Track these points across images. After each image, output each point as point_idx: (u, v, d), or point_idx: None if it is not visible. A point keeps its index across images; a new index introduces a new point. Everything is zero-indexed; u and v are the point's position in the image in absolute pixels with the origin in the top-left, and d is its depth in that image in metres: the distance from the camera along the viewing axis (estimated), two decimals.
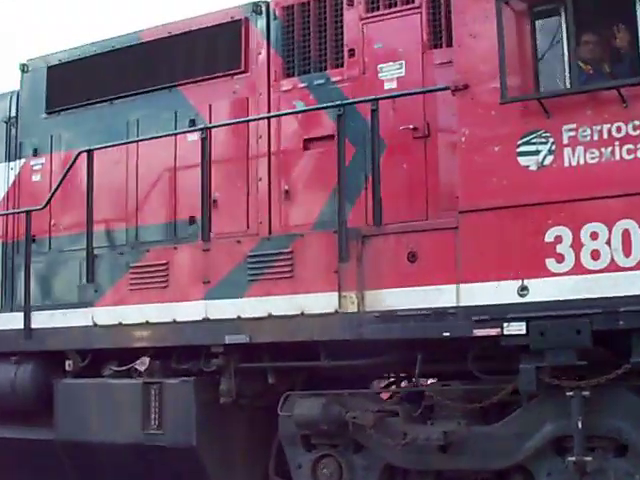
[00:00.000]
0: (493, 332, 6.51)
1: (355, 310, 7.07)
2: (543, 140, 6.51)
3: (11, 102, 10.05)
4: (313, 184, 8.03)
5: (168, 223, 8.70)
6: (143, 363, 8.11)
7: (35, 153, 9.75)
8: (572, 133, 6.42)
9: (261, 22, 8.46)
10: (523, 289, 6.47)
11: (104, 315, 8.28)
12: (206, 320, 7.72)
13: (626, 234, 6.15)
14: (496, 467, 6.85)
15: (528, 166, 6.55)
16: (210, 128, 8.14)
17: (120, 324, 8.18)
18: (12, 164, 9.97)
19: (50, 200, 8.86)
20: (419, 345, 6.95)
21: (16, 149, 9.91)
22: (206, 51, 8.73)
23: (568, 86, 6.44)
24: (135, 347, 8.14)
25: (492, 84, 6.65)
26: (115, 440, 8.12)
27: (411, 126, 7.51)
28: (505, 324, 6.47)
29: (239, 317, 7.55)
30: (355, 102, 7.54)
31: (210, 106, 8.64)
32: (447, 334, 6.70)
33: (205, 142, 7.99)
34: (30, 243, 8.92)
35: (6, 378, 8.87)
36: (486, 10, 6.67)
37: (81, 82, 9.44)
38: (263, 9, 8.44)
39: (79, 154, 8.65)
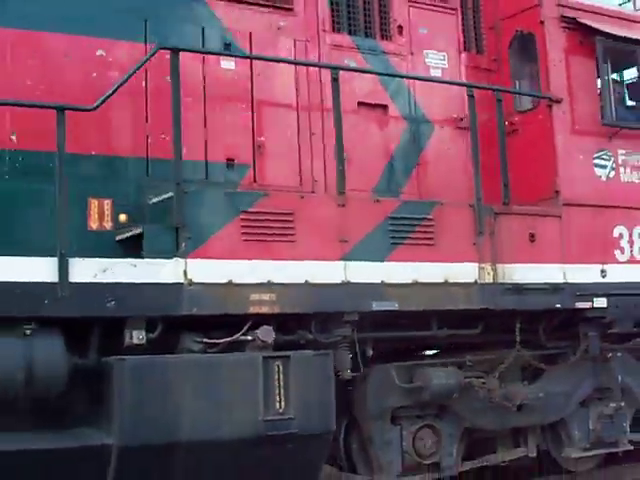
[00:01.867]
0: (587, 305, 7.99)
1: (491, 281, 7.46)
2: (608, 158, 8.38)
3: None
4: (369, 150, 7.69)
5: (197, 162, 6.88)
6: (268, 333, 6.38)
7: None
8: (624, 157, 8.49)
9: None
10: (603, 272, 8.16)
11: (205, 270, 6.19)
12: (346, 283, 6.74)
13: None
14: (551, 420, 8.14)
15: (600, 176, 8.32)
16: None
17: (231, 283, 6.28)
18: None
19: (105, 98, 5.99)
20: (518, 315, 7.77)
21: None
22: None
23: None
24: (250, 313, 6.36)
25: (585, 105, 8.21)
26: (219, 437, 6.15)
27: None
28: (595, 299, 8.03)
29: (383, 282, 6.91)
30: (483, 87, 7.97)
31: (250, 35, 7.25)
32: (559, 306, 7.83)
33: (336, 84, 6.95)
34: None
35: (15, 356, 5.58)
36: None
37: None
38: None
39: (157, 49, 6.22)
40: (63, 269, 5.74)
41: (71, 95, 6.33)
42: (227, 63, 7.10)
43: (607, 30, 8.36)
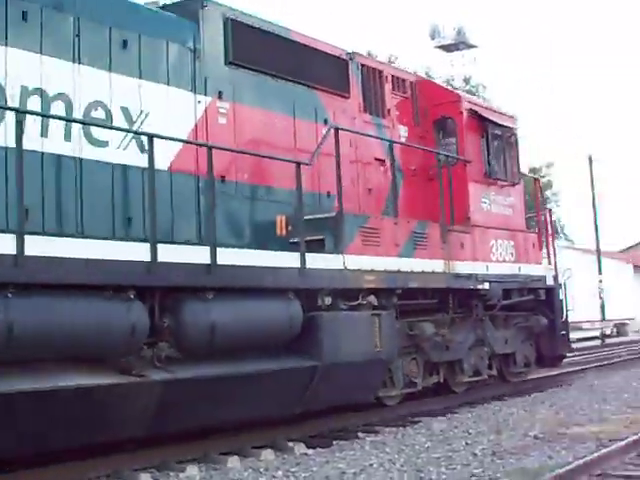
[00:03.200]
0: (482, 286, 13.23)
1: (447, 271, 12.41)
2: (487, 197, 13.73)
3: (193, 34, 9.56)
4: (380, 187, 12.30)
5: (312, 193, 11.05)
6: (373, 299, 10.80)
7: (220, 96, 9.85)
8: (494, 196, 13.89)
9: (353, 67, 12.03)
10: (487, 267, 13.45)
11: (350, 261, 10.48)
12: (398, 271, 11.34)
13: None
14: (459, 357, 13.24)
15: (484, 209, 13.64)
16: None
17: (359, 270, 10.62)
18: (199, 97, 9.56)
19: (314, 157, 10.08)
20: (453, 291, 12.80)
21: (203, 84, 9.62)
22: (331, 71, 11.54)
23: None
24: (365, 287, 10.73)
25: (478, 164, 13.50)
26: (365, 357, 10.54)
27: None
28: (484, 283, 13.29)
29: (412, 270, 11.60)
30: (444, 154, 12.94)
31: (334, 113, 11.53)
32: (471, 287, 12.98)
33: (390, 151, 11.55)
34: (300, 192, 9.82)
35: (283, 313, 9.52)
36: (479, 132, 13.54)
37: (254, 47, 10.32)
38: (355, 58, 12.05)
39: (330, 129, 10.43)
40: (303, 260, 9.77)
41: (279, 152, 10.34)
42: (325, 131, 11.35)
43: (488, 117, 13.75)
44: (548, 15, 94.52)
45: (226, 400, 9.04)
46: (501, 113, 14.43)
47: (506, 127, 14.22)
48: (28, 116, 7.60)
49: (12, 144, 7.36)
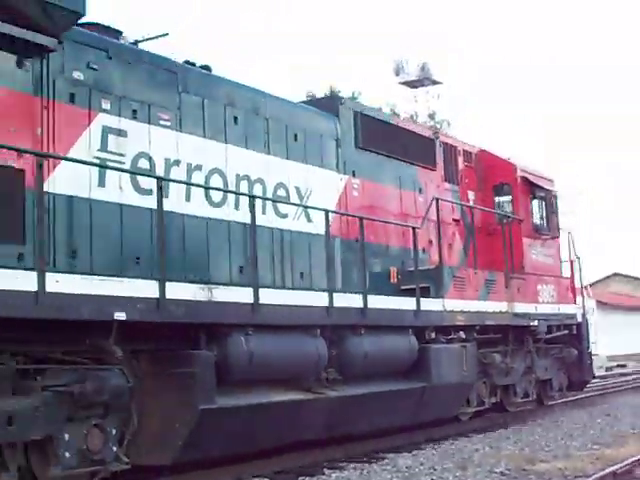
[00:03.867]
0: (534, 323, 15.99)
1: (509, 311, 15.14)
2: (535, 249, 16.53)
3: (335, 126, 12.29)
4: (456, 243, 15.04)
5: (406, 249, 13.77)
6: (462, 334, 13.50)
7: (353, 174, 12.57)
8: (539, 248, 16.69)
9: (437, 144, 14.82)
10: (536, 307, 16.22)
11: (450, 304, 13.19)
12: (479, 311, 14.06)
13: None
14: (513, 382, 15.97)
15: (532, 259, 16.42)
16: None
17: (452, 311, 13.32)
18: (341, 176, 12.28)
19: (423, 223, 12.80)
20: (512, 328, 15.53)
21: (343, 165, 12.34)
22: (423, 149, 14.31)
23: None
24: (457, 325, 13.43)
25: (528, 222, 16.32)
26: (457, 380, 13.22)
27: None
28: (535, 320, 16.07)
29: (486, 311, 14.32)
30: (507, 215, 15.57)
31: (425, 183, 14.29)
32: (528, 323, 15.74)
33: (473, 213, 14.31)
34: (416, 251, 12.55)
35: (405, 345, 12.20)
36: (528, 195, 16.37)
37: (373, 134, 13.07)
38: (439, 138, 14.84)
39: (434, 199, 13.20)
40: (418, 303, 12.46)
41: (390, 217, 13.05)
42: (420, 199, 14.10)
43: (535, 182, 16.59)
44: (515, 50, 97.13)
45: (369, 411, 11.68)
46: (544, 177, 17.25)
47: (548, 189, 17.05)
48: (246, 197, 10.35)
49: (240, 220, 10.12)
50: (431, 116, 58.12)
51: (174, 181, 9.57)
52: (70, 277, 7.73)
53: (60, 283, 7.56)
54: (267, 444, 10.38)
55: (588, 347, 18.66)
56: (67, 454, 8.04)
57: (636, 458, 10.56)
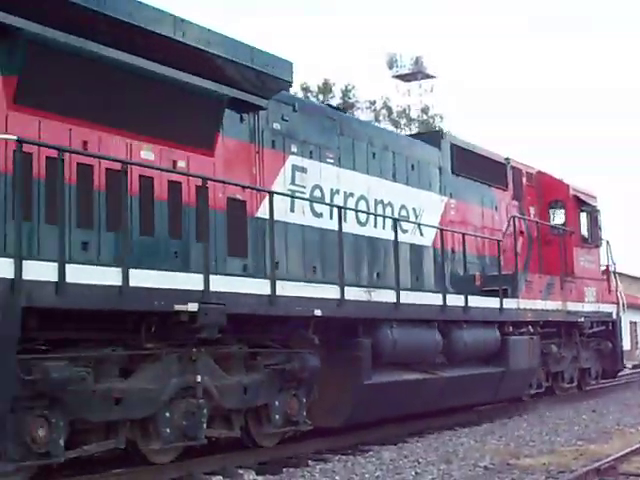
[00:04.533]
0: (580, 319, 18.80)
1: (564, 309, 17.91)
2: (583, 257, 19.32)
3: (439, 156, 15.09)
4: (522, 251, 17.82)
5: (485, 257, 16.53)
6: (530, 328, 16.28)
7: (451, 196, 15.33)
8: (586, 256, 19.49)
9: (508, 168, 17.59)
10: (582, 305, 19.02)
11: (522, 303, 15.96)
12: (542, 310, 16.82)
13: None
14: (564, 369, 18.79)
15: (580, 265, 19.22)
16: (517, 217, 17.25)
17: (524, 309, 16.09)
18: (442, 197, 15.05)
19: (504, 236, 15.58)
20: (563, 323, 18.34)
21: (444, 189, 15.10)
22: (498, 173, 17.07)
23: None
24: (527, 321, 16.20)
25: (577, 233, 19.13)
26: (526, 366, 16.01)
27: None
28: (581, 317, 18.89)
29: (544, 309, 17.07)
30: (562, 228, 18.35)
31: (499, 202, 17.05)
32: (576, 320, 18.54)
33: (527, 223, 17.09)
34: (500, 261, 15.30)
35: (492, 336, 14.96)
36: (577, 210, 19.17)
37: (464, 161, 15.84)
38: (509, 162, 17.61)
39: (512, 217, 15.97)
40: (501, 303, 15.23)
41: (474, 230, 15.81)
42: (496, 216, 16.85)
43: (583, 199, 19.39)
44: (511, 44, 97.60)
45: (465, 389, 14.44)
46: (590, 195, 20.07)
47: (593, 205, 19.88)
48: (379, 218, 13.13)
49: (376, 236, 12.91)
50: (424, 110, 58.60)
51: (348, 209, 12.41)
52: (288, 284, 10.45)
53: (284, 289, 10.29)
54: (402, 411, 13.13)
55: (621, 341, 21.52)
56: (277, 417, 10.73)
57: (620, 454, 10.69)
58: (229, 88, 10.43)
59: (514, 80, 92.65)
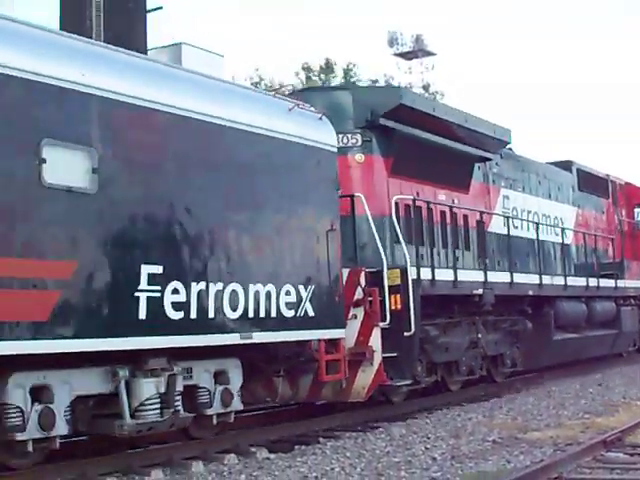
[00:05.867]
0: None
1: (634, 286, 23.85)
2: None
3: (571, 178, 21.14)
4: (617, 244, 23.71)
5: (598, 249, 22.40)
6: (632, 301, 22.20)
7: (579, 206, 21.45)
8: None
9: (609, 182, 23.50)
10: None
11: (627, 283, 21.94)
12: (637, 287, 22.77)
13: None
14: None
15: None
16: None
17: (628, 287, 22.04)
18: (574, 209, 21.14)
19: (615, 234, 21.59)
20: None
21: (576, 201, 21.19)
22: (603, 186, 22.99)
23: None
24: (630, 295, 22.11)
25: None
26: (631, 329, 21.92)
27: None
28: None
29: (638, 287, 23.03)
30: None
31: (604, 207, 22.95)
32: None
33: (621, 223, 23.06)
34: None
35: (611, 307, 20.89)
36: None
37: (584, 181, 21.79)
38: (609, 178, 23.52)
39: (619, 221, 22.00)
40: (616, 283, 21.12)
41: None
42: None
43: None
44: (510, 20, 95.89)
45: (596, 345, 20.41)
46: None
47: None
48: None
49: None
50: (425, 88, 57.04)
51: (541, 224, 18.39)
52: (516, 275, 16.39)
53: (514, 278, 16.22)
54: (567, 359, 19.15)
55: None
56: (508, 362, 16.53)
57: (626, 426, 10.86)
58: (478, 150, 16.23)
59: (517, 58, 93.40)
